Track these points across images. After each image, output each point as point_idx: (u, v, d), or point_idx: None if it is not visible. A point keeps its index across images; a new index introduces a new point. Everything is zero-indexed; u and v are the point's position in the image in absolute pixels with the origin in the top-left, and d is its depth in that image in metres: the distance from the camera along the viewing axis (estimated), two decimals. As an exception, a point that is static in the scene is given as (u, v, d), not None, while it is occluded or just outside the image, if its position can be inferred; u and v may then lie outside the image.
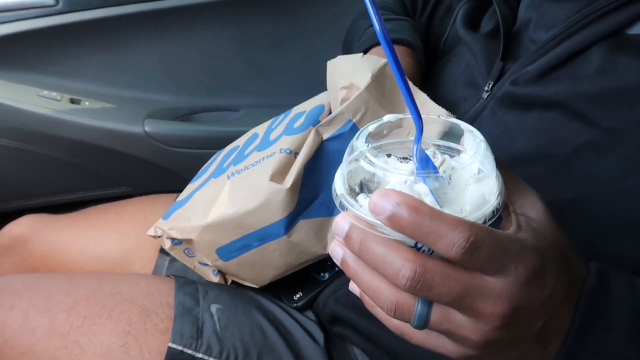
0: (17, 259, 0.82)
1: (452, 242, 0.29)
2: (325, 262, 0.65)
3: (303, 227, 0.56)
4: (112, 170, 1.12)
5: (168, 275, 0.66)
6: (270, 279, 0.61)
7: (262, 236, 0.57)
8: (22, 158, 1.08)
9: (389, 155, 0.36)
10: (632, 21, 0.46)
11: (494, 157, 0.34)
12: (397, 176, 0.32)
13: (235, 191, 0.58)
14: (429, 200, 0.31)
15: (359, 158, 0.33)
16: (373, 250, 0.30)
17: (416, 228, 0.29)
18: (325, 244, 0.57)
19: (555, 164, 0.48)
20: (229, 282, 0.65)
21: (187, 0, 1.11)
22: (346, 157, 0.34)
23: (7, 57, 1.06)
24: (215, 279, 0.64)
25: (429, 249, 0.31)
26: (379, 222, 0.30)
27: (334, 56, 0.65)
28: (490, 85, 0.57)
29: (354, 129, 0.56)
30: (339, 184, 0.34)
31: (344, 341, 0.62)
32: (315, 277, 0.64)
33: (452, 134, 0.36)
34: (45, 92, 1.07)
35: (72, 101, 1.08)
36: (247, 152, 0.63)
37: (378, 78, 0.56)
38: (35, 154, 1.08)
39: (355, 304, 0.57)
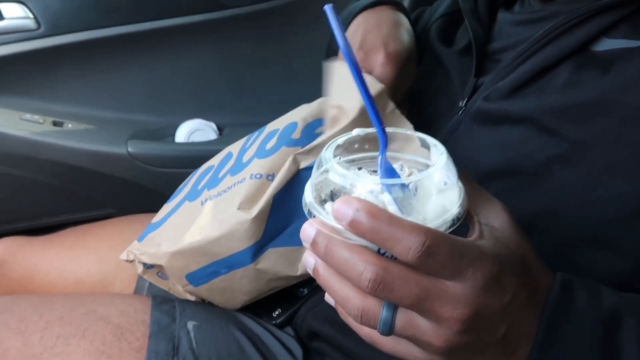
0: (-7, 283, 0.81)
1: (408, 247, 0.30)
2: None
3: (272, 256, 0.56)
4: (96, 191, 1.12)
5: (146, 295, 0.66)
6: (242, 303, 0.61)
7: (229, 264, 0.57)
8: (5, 182, 1.08)
9: (359, 169, 0.37)
10: (596, 38, 0.48)
11: (456, 169, 0.35)
12: (364, 186, 0.33)
13: (206, 219, 0.58)
14: (392, 209, 0.32)
15: (328, 169, 0.34)
16: (337, 254, 0.32)
17: (374, 233, 0.30)
18: (296, 269, 0.57)
19: (526, 178, 0.49)
20: (207, 300, 0.64)
21: (168, 22, 1.12)
22: (315, 169, 0.35)
23: (-12, 81, 1.06)
24: (192, 297, 0.64)
25: (392, 255, 0.32)
26: (342, 228, 0.31)
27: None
28: (465, 102, 0.58)
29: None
30: (308, 193, 0.35)
31: (323, 356, 0.61)
32: (295, 293, 0.64)
33: (420, 149, 0.37)
34: (28, 116, 1.07)
35: (55, 124, 1.08)
36: (221, 174, 0.63)
37: (364, 112, 0.55)
38: (18, 178, 1.08)
39: (333, 319, 0.57)
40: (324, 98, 0.61)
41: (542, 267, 0.37)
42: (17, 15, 1.04)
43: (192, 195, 0.64)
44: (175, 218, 0.63)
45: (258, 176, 0.57)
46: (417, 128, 0.67)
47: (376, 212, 0.30)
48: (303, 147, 0.57)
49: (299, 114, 0.62)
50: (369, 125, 0.54)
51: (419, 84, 0.73)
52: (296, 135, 0.60)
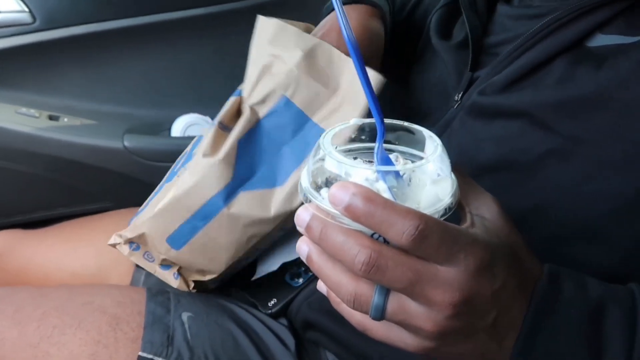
0: (-9, 275, 0.82)
1: (402, 230, 0.30)
2: (299, 268, 0.65)
3: (243, 199, 0.58)
4: (93, 185, 1.12)
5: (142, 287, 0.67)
6: (225, 262, 0.61)
7: (204, 214, 0.58)
8: (1, 176, 1.08)
9: (355, 158, 0.38)
10: (590, 33, 0.48)
11: (449, 160, 0.36)
12: (359, 174, 0.34)
13: (179, 180, 0.61)
14: (386, 196, 0.33)
15: (324, 157, 0.35)
16: (332, 238, 0.32)
17: (369, 217, 0.31)
18: (269, 211, 0.58)
19: (520, 172, 0.50)
20: (191, 286, 0.64)
21: (165, 16, 1.13)
22: (312, 155, 0.36)
23: (-16, 75, 1.07)
24: (176, 282, 0.64)
25: (385, 240, 0.33)
26: (339, 213, 0.32)
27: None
28: (460, 95, 0.59)
29: (287, 104, 0.59)
30: (304, 179, 0.35)
31: (317, 346, 0.62)
32: (290, 283, 0.65)
33: (416, 141, 0.38)
34: (24, 110, 1.07)
35: (51, 118, 1.08)
36: (192, 151, 0.65)
37: (308, 56, 0.59)
38: (14, 172, 1.08)
39: (328, 308, 0.57)
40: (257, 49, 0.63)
41: (531, 258, 0.38)
42: (12, 9, 1.04)
43: (170, 177, 0.66)
44: (155, 198, 0.65)
45: (220, 125, 0.61)
46: (412, 120, 0.68)
47: (372, 196, 0.31)
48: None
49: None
50: (315, 68, 0.59)
51: (415, 76, 0.73)
52: (241, 86, 0.64)
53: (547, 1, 0.56)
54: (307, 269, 0.65)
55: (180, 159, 0.68)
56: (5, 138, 1.04)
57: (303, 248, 0.35)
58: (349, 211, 0.31)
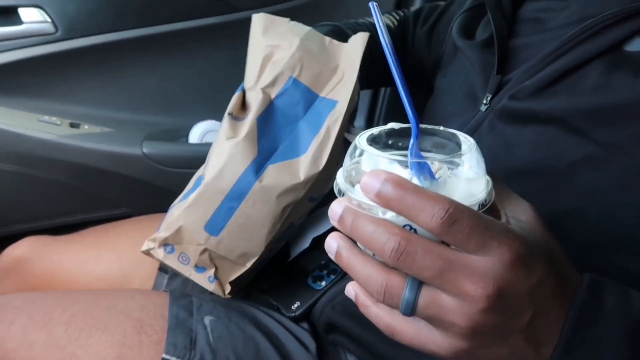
0: (18, 280, 0.84)
1: (432, 213, 0.30)
2: (322, 272, 0.67)
3: (272, 170, 0.60)
4: (112, 191, 1.14)
5: (165, 291, 0.68)
6: (265, 239, 0.62)
7: (238, 193, 0.60)
8: (24, 182, 1.11)
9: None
10: (629, 37, 0.47)
11: (484, 162, 0.36)
12: (394, 170, 0.34)
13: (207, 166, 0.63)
14: None
15: (360, 155, 0.36)
16: (363, 227, 0.32)
17: (400, 202, 0.31)
18: (299, 177, 0.60)
19: (553, 178, 0.49)
20: (227, 290, 0.65)
21: (182, 25, 1.15)
22: (349, 154, 0.37)
23: (9, 84, 1.09)
24: (212, 286, 0.64)
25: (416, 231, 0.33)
26: (371, 204, 0.32)
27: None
28: (489, 99, 0.58)
29: (295, 83, 0.63)
30: (340, 176, 0.36)
31: (337, 349, 0.63)
32: (312, 287, 0.66)
33: (452, 148, 0.38)
34: (46, 117, 1.10)
35: (72, 125, 1.11)
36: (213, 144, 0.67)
37: (305, 41, 0.64)
38: (36, 178, 1.10)
39: (351, 311, 0.58)
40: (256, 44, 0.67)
41: (570, 264, 0.37)
42: (36, 20, 1.06)
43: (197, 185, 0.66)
44: (181, 203, 0.65)
45: (231, 115, 0.64)
46: (437, 124, 0.69)
47: (402, 181, 0.31)
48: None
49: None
50: (312, 51, 0.63)
51: (440, 81, 0.73)
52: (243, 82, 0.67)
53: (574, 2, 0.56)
54: (330, 273, 0.66)
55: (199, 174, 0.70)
56: (28, 145, 1.07)
57: (332, 244, 0.35)
58: (380, 197, 0.31)
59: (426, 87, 0.85)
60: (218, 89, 1.19)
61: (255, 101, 0.62)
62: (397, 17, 0.88)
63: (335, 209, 0.34)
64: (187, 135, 1.15)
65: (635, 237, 0.45)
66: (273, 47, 0.64)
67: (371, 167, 0.35)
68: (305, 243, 0.68)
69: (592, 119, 0.46)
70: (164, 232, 0.63)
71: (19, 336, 0.57)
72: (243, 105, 0.66)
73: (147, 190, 1.12)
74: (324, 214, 0.67)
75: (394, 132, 0.39)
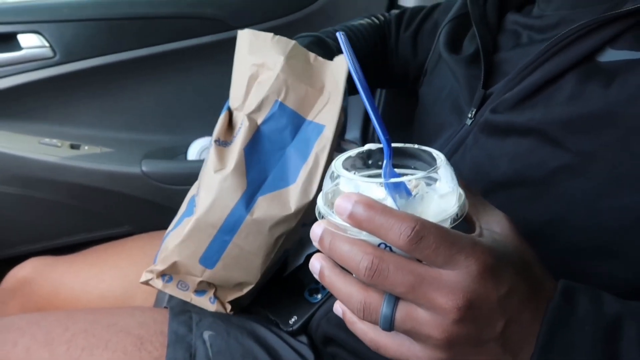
0: (23, 301, 0.85)
1: (399, 232, 0.32)
2: (317, 284, 0.67)
3: (263, 203, 0.60)
4: (113, 210, 1.16)
5: (165, 307, 0.69)
6: (259, 269, 0.63)
7: (230, 226, 0.60)
8: (26, 204, 1.13)
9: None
10: (600, 48, 0.48)
11: (454, 174, 0.37)
12: (371, 192, 0.36)
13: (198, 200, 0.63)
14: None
15: (339, 178, 0.37)
16: (339, 247, 0.34)
17: (370, 222, 0.32)
18: (289, 208, 0.60)
19: (533, 187, 0.50)
20: (229, 308, 0.66)
21: (177, 45, 1.17)
22: (327, 177, 0.38)
23: (9, 108, 1.11)
24: (213, 307, 0.66)
25: (391, 249, 0.34)
26: (347, 225, 0.34)
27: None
28: (474, 113, 0.59)
29: (281, 107, 0.62)
30: (320, 200, 0.38)
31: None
32: (309, 300, 0.67)
33: (427, 163, 0.39)
34: (46, 140, 1.12)
35: (72, 147, 1.13)
36: (201, 175, 0.67)
37: (290, 60, 0.63)
38: (38, 199, 1.12)
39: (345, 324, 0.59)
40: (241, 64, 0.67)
41: (544, 272, 0.38)
42: (34, 45, 1.09)
43: (189, 212, 0.67)
44: (176, 229, 0.66)
45: (217, 142, 0.64)
46: (425, 136, 0.70)
47: (371, 203, 0.32)
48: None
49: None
50: (297, 70, 0.62)
51: (425, 90, 0.74)
52: (228, 102, 0.67)
53: (557, 10, 0.57)
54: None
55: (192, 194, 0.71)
56: (29, 168, 1.09)
57: (315, 265, 0.37)
58: (352, 218, 0.33)
59: (410, 89, 0.87)
60: (215, 106, 1.20)
61: (242, 129, 0.62)
62: (376, 21, 0.89)
63: (316, 230, 0.36)
64: (185, 153, 1.17)
65: (618, 242, 0.46)
66: (258, 66, 0.64)
67: (350, 189, 0.36)
68: (300, 259, 0.69)
69: (567, 129, 0.48)
70: (160, 265, 0.64)
71: (22, 356, 0.58)
72: (230, 125, 0.66)
73: (147, 208, 1.14)
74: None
75: (373, 153, 0.40)
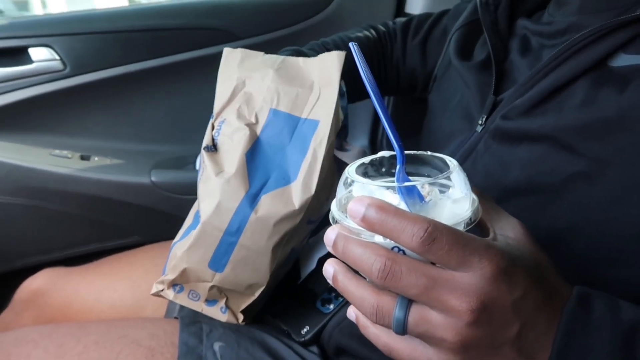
0: (36, 312, 0.86)
1: (412, 233, 0.32)
2: (329, 294, 0.68)
3: (266, 201, 0.61)
4: (123, 221, 1.17)
5: (175, 317, 0.69)
6: (268, 268, 0.63)
7: (235, 228, 0.61)
8: (37, 215, 1.14)
9: (387, 189, 0.39)
10: (612, 53, 0.48)
11: (467, 180, 0.37)
12: (384, 197, 0.36)
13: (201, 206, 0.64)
14: None
15: (352, 184, 0.38)
16: (352, 251, 0.34)
17: (382, 224, 0.33)
18: (293, 204, 0.61)
19: (547, 194, 0.50)
20: (240, 318, 0.66)
21: (184, 56, 1.18)
22: (341, 184, 0.39)
23: (21, 120, 1.13)
24: (224, 317, 0.66)
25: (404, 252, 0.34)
26: (360, 229, 0.34)
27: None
28: (484, 119, 0.59)
29: (276, 113, 0.63)
30: (334, 205, 0.38)
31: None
32: (321, 310, 0.67)
33: (440, 169, 0.40)
34: (57, 151, 1.13)
35: (83, 158, 1.15)
36: (199, 182, 0.68)
37: (280, 71, 0.65)
38: (49, 210, 1.14)
39: (359, 334, 0.59)
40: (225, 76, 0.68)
41: (559, 278, 0.37)
42: (45, 58, 1.10)
43: (196, 224, 0.68)
44: (182, 241, 0.66)
45: (207, 149, 0.65)
46: (435, 143, 0.70)
47: (384, 205, 0.33)
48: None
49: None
50: (288, 79, 0.63)
51: (435, 97, 0.74)
52: (220, 107, 0.68)
53: (567, 16, 0.57)
54: (338, 295, 0.67)
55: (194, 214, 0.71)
56: (41, 178, 1.10)
57: (329, 269, 0.37)
58: (365, 221, 0.33)
59: (419, 97, 0.86)
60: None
61: (242, 137, 0.62)
62: (374, 33, 0.89)
63: (329, 235, 0.36)
64: (194, 162, 1.17)
65: (633, 250, 0.45)
66: (246, 77, 0.65)
67: (361, 190, 0.37)
68: (312, 264, 0.69)
69: (581, 135, 0.47)
70: (170, 274, 0.65)
71: None
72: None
73: (157, 217, 1.15)
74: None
75: (386, 160, 0.41)
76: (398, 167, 0.38)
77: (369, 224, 0.33)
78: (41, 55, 1.10)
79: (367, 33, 0.89)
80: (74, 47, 1.12)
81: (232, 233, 0.61)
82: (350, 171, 0.38)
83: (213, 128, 0.67)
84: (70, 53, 1.11)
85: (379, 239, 0.34)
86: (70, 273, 0.88)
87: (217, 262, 0.62)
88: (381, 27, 0.90)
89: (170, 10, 1.21)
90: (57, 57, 1.10)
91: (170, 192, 1.11)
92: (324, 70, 0.64)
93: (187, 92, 1.21)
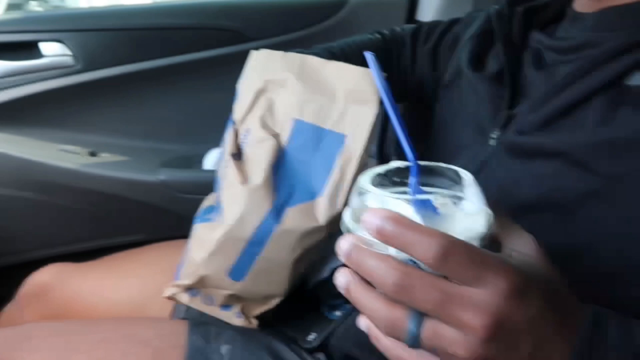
0: (41, 307, 0.86)
1: (427, 248, 0.32)
2: (338, 301, 0.68)
3: (291, 214, 0.60)
4: (130, 218, 1.18)
5: (184, 318, 0.69)
6: (288, 281, 0.63)
7: (259, 239, 0.60)
8: (44, 209, 1.15)
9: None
10: (629, 72, 0.48)
11: (482, 194, 0.37)
12: (397, 208, 0.35)
13: (220, 215, 0.63)
14: None
15: (365, 194, 0.37)
16: (367, 262, 0.34)
17: (398, 238, 0.32)
18: (319, 220, 0.60)
19: (560, 211, 0.49)
20: (255, 323, 0.66)
21: (196, 55, 1.19)
22: (355, 193, 0.39)
23: (30, 115, 1.14)
24: (239, 321, 0.66)
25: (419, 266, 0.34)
26: (374, 240, 0.34)
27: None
28: (497, 133, 0.59)
29: (300, 124, 0.63)
30: (347, 214, 0.38)
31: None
32: (328, 316, 0.67)
33: (455, 183, 0.39)
34: (66, 147, 1.14)
35: (91, 154, 1.15)
36: (220, 188, 0.67)
37: (299, 74, 0.64)
38: (57, 205, 1.14)
39: (367, 342, 0.58)
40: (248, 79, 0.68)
41: (573, 297, 0.37)
42: (56, 53, 1.11)
43: (203, 220, 0.68)
44: (195, 240, 0.66)
45: (236, 157, 0.64)
46: (445, 155, 0.70)
47: (400, 219, 0.32)
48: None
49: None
50: (310, 84, 0.63)
51: (446, 107, 0.73)
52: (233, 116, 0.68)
53: (582, 32, 0.56)
54: (345, 302, 0.66)
55: (206, 207, 0.71)
56: (49, 174, 1.11)
57: (341, 280, 0.37)
58: (380, 234, 0.32)
59: (427, 104, 0.86)
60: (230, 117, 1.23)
61: (268, 148, 0.62)
62: (382, 38, 0.88)
63: (342, 245, 0.36)
64: (201, 162, 1.18)
65: None
66: (267, 81, 0.65)
67: (377, 205, 0.36)
68: (324, 273, 0.69)
69: (595, 153, 0.47)
70: (187, 280, 0.64)
71: None
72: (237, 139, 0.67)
73: (163, 216, 1.15)
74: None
75: (399, 170, 0.40)
76: (412, 179, 0.38)
77: (384, 237, 0.33)
78: (53, 50, 1.11)
79: (373, 38, 0.88)
80: (85, 43, 1.12)
81: (255, 244, 0.61)
82: (363, 181, 0.38)
83: (236, 135, 0.66)
84: (82, 49, 1.12)
85: (392, 251, 0.34)
86: (77, 269, 0.88)
87: (237, 271, 0.62)
88: (388, 33, 0.90)
89: (183, 10, 1.21)
90: (69, 53, 1.11)
91: (178, 191, 1.12)
92: (349, 82, 0.63)
93: (196, 91, 1.22)
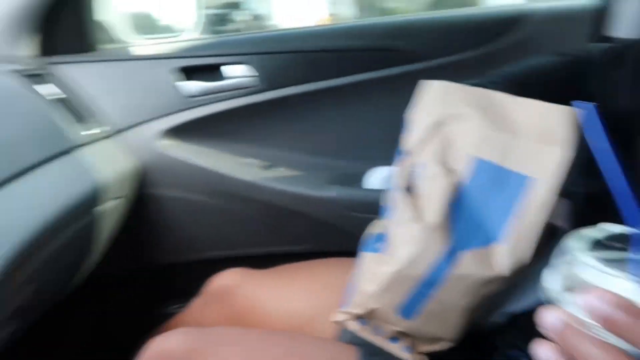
0: (221, 307, 0.94)
1: None
2: (518, 352, 0.63)
3: (466, 259, 0.58)
4: (297, 229, 1.25)
5: (355, 343, 0.71)
6: (460, 325, 0.62)
7: (431, 280, 0.59)
8: (225, 215, 1.27)
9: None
10: None
11: None
12: (617, 285, 0.32)
13: (391, 249, 0.62)
14: None
15: (574, 261, 0.34)
16: (585, 349, 0.31)
17: (630, 331, 0.29)
18: (495, 269, 0.58)
19: None
20: (424, 336, 0.65)
21: (365, 76, 1.22)
22: (564, 260, 0.35)
23: (218, 130, 1.26)
24: (408, 355, 0.65)
25: None
26: (592, 323, 0.31)
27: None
28: None
29: (482, 163, 0.60)
30: (551, 281, 0.35)
31: None
32: None
33: None
34: (245, 160, 1.25)
35: (266, 168, 1.24)
36: (392, 220, 0.66)
37: (484, 110, 0.61)
38: (235, 212, 1.26)
39: None
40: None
41: None
42: (241, 74, 1.22)
43: (369, 248, 0.68)
44: (366, 271, 0.66)
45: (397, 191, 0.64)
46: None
47: (633, 309, 0.29)
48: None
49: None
50: (494, 120, 0.59)
51: None
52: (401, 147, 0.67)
53: None
54: (529, 357, 0.62)
55: (374, 234, 0.72)
56: (229, 184, 1.22)
57: (544, 354, 0.34)
58: (609, 323, 0.30)
59: (624, 137, 0.77)
60: (397, 138, 1.24)
61: (446, 186, 0.60)
62: (566, 61, 0.80)
63: (551, 320, 0.33)
64: (361, 180, 1.20)
65: None
66: (447, 116, 0.63)
67: (594, 280, 0.33)
68: (500, 316, 0.65)
69: None
70: (356, 309, 0.65)
71: None
72: (407, 172, 0.66)
73: (330, 230, 1.20)
74: (521, 287, 0.62)
75: (615, 236, 0.36)
76: (633, 256, 0.33)
77: (613, 327, 0.30)
78: (237, 72, 1.22)
79: (554, 60, 0.81)
80: (266, 64, 1.22)
81: (427, 285, 0.60)
82: (580, 250, 0.35)
83: (408, 167, 0.66)
84: (263, 70, 1.21)
85: (613, 339, 0.31)
86: (253, 275, 0.95)
87: (407, 309, 0.62)
88: (573, 54, 0.82)
89: (356, 31, 1.26)
90: (253, 74, 1.21)
91: (346, 208, 1.16)
92: (536, 119, 0.59)
93: (366, 110, 1.25)
